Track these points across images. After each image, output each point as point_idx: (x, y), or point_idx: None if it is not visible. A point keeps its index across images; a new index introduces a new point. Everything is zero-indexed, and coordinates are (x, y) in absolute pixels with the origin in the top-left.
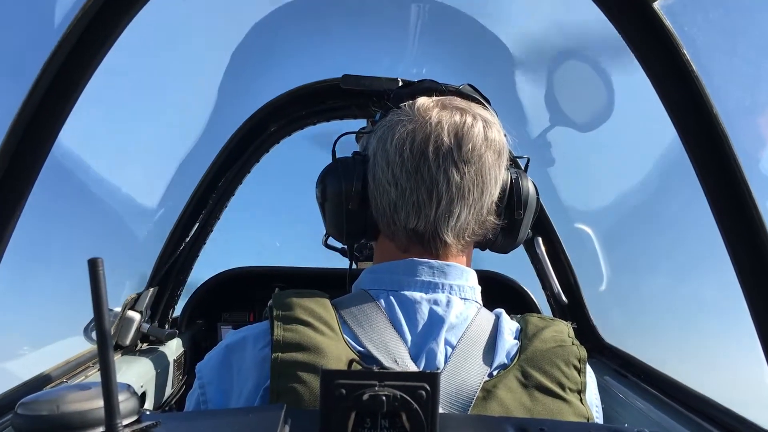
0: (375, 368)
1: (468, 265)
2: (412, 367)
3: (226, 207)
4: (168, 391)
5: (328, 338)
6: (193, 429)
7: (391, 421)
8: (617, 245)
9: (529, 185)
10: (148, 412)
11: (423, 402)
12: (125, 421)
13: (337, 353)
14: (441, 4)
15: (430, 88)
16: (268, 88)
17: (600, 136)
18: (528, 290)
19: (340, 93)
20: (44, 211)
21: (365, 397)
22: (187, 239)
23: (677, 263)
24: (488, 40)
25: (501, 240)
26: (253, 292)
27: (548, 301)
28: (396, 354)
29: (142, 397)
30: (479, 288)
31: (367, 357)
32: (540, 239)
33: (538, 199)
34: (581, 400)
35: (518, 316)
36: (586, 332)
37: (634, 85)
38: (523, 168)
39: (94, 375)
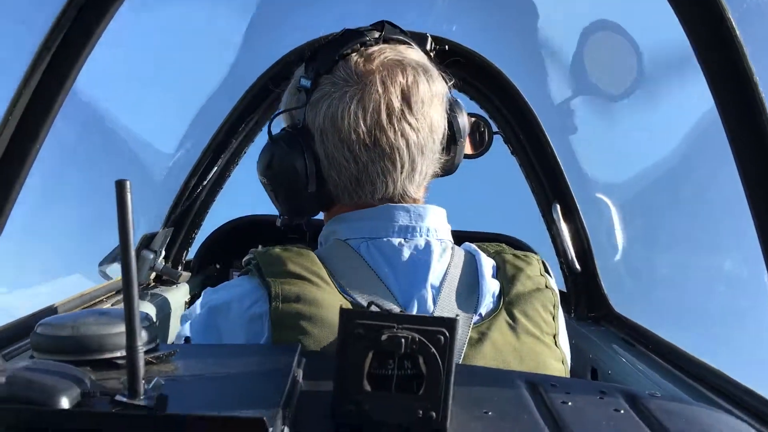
0: (394, 310)
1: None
2: None
3: (245, 153)
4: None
5: (324, 291)
6: (208, 360)
7: (413, 363)
8: (636, 217)
9: (462, 112)
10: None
11: (440, 347)
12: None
13: (335, 304)
14: None
15: (354, 41)
16: (294, 34)
17: (627, 105)
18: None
19: None
20: (63, 147)
21: (384, 337)
22: (205, 182)
23: (697, 238)
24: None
25: (446, 168)
26: (266, 239)
27: (561, 267)
28: (385, 305)
29: None
30: (449, 226)
31: (357, 306)
32: (558, 206)
33: (468, 117)
34: (556, 343)
35: (489, 249)
36: (598, 300)
37: (666, 52)
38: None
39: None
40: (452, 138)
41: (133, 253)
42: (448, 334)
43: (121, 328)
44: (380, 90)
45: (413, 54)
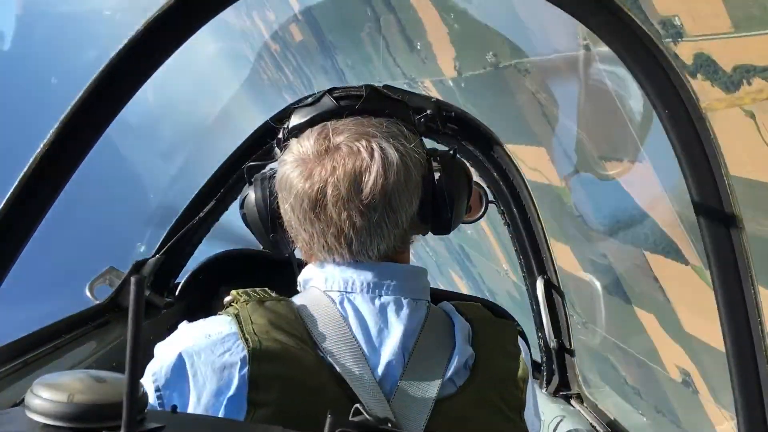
0: (382, 425)
1: (407, 258)
2: (370, 380)
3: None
4: None
5: (300, 349)
6: None
7: None
8: (620, 301)
9: (451, 182)
10: (149, 407)
11: None
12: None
13: (310, 364)
14: None
15: (328, 111)
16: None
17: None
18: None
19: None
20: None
21: None
22: (201, 214)
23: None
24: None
25: (435, 231)
26: (253, 274)
27: (538, 341)
28: (357, 366)
29: None
30: (429, 285)
31: (332, 369)
32: (542, 281)
33: (469, 181)
34: (521, 417)
35: (466, 312)
36: (570, 380)
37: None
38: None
39: (94, 333)
40: (436, 208)
41: (140, 341)
42: None
43: (117, 398)
44: (328, 175)
45: (383, 132)
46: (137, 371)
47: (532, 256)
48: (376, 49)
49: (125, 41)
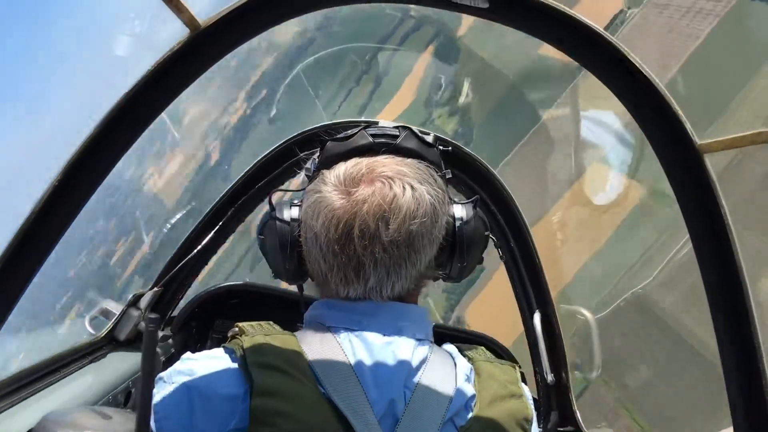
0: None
1: (416, 300)
2: (371, 417)
3: (243, 222)
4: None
5: (302, 385)
6: None
7: None
8: (616, 335)
9: (471, 232)
10: None
11: None
12: None
13: (311, 400)
14: None
15: (364, 147)
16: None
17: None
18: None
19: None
20: None
21: None
22: (199, 247)
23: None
24: None
25: (447, 278)
26: (255, 309)
27: (535, 377)
28: (358, 404)
29: (128, 396)
30: (432, 325)
31: (333, 406)
32: (539, 315)
33: (487, 236)
34: None
35: (468, 353)
36: (567, 416)
37: None
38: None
39: (91, 366)
40: (452, 255)
41: (152, 386)
42: None
43: None
44: (359, 205)
45: (416, 173)
46: (148, 413)
47: (530, 290)
48: (339, 89)
49: (133, 84)
